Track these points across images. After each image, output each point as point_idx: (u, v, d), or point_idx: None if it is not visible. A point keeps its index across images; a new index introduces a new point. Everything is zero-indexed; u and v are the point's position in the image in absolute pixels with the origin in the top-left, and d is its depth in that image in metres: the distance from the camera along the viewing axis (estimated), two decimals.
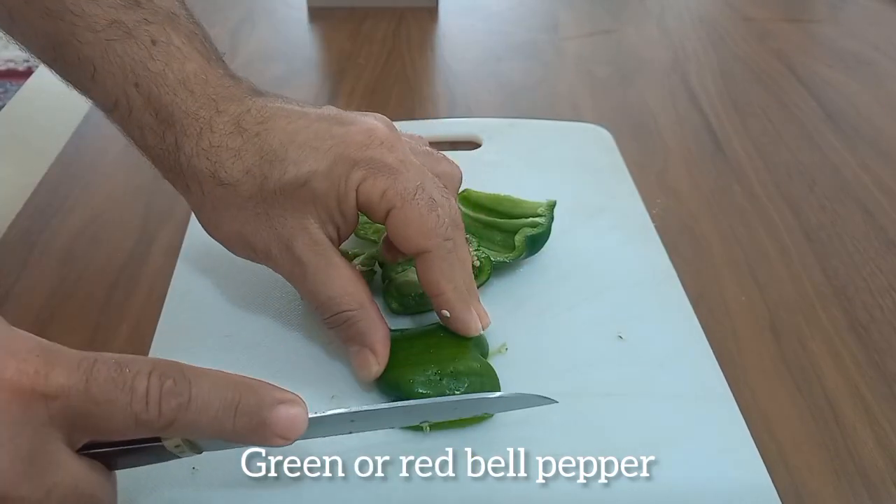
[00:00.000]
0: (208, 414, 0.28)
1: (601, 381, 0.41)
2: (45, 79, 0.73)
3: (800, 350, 0.45)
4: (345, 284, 0.38)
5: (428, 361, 0.39)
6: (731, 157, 0.63)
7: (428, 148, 0.45)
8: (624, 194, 0.56)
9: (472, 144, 0.62)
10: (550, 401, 0.36)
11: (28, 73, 1.09)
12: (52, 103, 0.69)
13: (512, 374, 0.41)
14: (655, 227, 0.52)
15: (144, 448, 0.30)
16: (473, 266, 0.43)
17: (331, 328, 0.40)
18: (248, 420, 0.29)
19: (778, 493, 0.36)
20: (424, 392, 0.38)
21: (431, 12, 0.90)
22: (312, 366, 0.42)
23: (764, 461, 0.37)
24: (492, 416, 0.38)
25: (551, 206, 0.49)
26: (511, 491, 0.36)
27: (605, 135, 0.63)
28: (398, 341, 0.40)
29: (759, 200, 0.58)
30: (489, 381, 0.39)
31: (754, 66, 0.79)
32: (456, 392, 0.38)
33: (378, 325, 0.39)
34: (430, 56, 0.81)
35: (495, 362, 0.41)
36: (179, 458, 0.31)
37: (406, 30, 0.86)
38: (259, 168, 0.37)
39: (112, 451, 0.29)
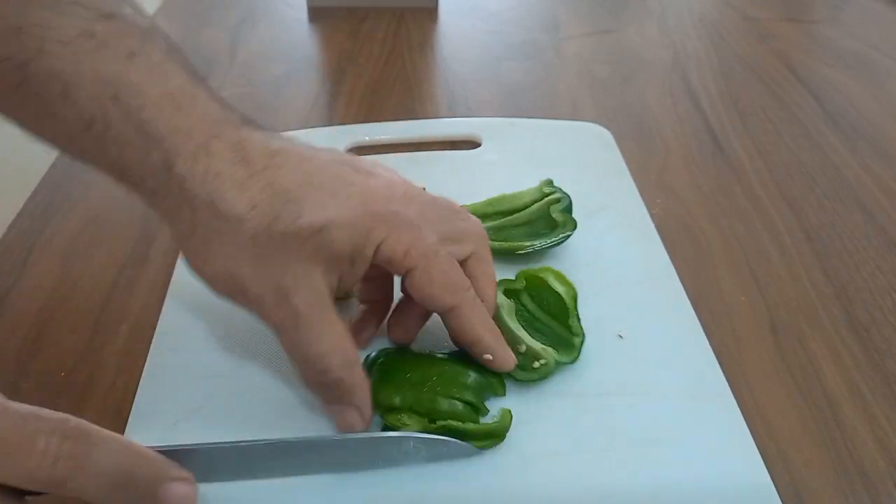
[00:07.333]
0: (101, 481, 0.28)
1: (601, 380, 0.41)
2: None
3: (800, 350, 0.45)
4: (336, 340, 0.35)
5: (420, 399, 0.38)
6: (731, 157, 0.63)
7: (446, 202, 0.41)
8: (624, 194, 0.56)
9: (472, 144, 0.62)
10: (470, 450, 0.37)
11: None
12: None
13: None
14: (655, 226, 0.52)
15: None
16: (537, 359, 0.41)
17: (313, 388, 0.37)
18: (138, 493, 0.29)
19: (778, 492, 0.36)
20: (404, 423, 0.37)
21: (431, 12, 0.90)
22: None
23: (764, 460, 0.37)
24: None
25: (548, 182, 0.50)
26: (513, 490, 0.36)
27: (605, 134, 0.63)
28: (396, 362, 0.40)
29: (759, 200, 0.58)
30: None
31: (754, 66, 0.79)
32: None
33: (364, 383, 0.37)
34: (430, 56, 0.81)
35: None
36: None
37: (406, 30, 0.86)
38: (269, 206, 0.34)
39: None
